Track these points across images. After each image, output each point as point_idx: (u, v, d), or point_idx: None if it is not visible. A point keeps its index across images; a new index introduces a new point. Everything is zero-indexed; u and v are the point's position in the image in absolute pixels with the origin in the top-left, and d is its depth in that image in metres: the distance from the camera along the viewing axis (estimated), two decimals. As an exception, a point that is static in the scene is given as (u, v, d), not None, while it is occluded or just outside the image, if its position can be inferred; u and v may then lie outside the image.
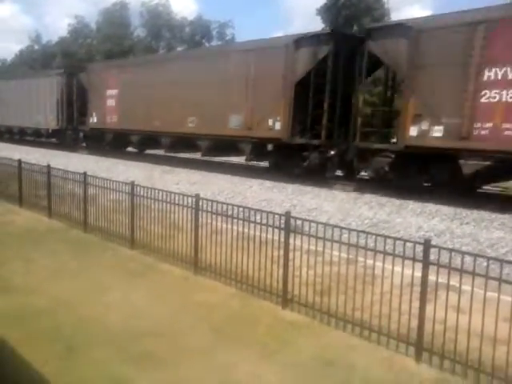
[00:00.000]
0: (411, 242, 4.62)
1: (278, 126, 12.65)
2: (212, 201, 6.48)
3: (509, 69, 8.78)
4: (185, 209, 6.72)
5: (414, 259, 4.39)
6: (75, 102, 21.97)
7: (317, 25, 41.33)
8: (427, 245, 4.36)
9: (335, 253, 5.13)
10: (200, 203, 6.51)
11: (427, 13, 64.46)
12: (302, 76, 12.23)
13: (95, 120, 20.41)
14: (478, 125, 9.24)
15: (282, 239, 5.46)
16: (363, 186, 11.48)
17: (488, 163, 9.40)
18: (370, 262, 4.73)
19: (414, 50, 10.06)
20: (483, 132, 9.19)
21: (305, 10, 77.43)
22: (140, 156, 19.60)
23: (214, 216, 6.36)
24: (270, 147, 14.06)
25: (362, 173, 12.44)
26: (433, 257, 4.29)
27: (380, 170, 11.31)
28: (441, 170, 10.38)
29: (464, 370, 3.99)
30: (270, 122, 12.81)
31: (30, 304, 5.26)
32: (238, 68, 13.81)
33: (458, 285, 4.11)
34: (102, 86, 19.77)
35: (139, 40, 53.37)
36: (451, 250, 4.33)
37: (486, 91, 9.14)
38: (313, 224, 5.22)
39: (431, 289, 4.35)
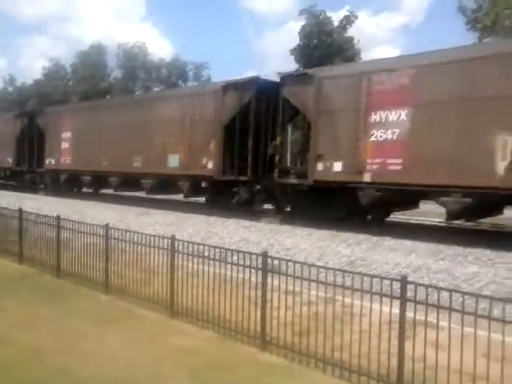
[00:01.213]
0: (388, 279, 4.63)
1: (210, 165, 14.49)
2: (188, 242, 6.41)
3: None
4: (160, 251, 6.63)
5: (391, 296, 4.40)
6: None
7: (291, 65, 42.48)
8: (404, 281, 4.38)
9: (313, 292, 5.09)
10: (176, 245, 6.44)
11: (396, 52, 67.11)
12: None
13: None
14: None
15: (260, 279, 5.41)
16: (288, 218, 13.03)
17: None
18: (348, 300, 4.71)
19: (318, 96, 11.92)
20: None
21: (278, 50, 79.64)
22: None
23: (190, 258, 6.28)
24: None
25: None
26: (410, 293, 4.31)
27: (298, 202, 13.10)
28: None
29: (446, 411, 3.94)
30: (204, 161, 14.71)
31: (0, 356, 5.03)
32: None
33: (435, 321, 4.11)
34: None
35: (116, 81, 53.80)
36: (428, 286, 4.35)
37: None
38: (290, 263, 5.20)
39: (409, 325, 4.34)
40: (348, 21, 42.40)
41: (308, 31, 41.79)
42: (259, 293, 5.39)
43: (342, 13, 43.03)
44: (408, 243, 9.62)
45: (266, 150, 13.75)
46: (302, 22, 42.37)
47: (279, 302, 5.22)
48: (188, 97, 15.76)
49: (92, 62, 52.95)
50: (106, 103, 22.62)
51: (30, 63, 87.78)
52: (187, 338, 5.62)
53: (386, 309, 4.43)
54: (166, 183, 16.38)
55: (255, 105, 13.38)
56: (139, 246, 6.99)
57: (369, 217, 12.75)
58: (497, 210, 11.57)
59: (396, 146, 10.44)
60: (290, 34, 68.76)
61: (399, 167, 10.37)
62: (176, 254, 6.41)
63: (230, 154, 13.93)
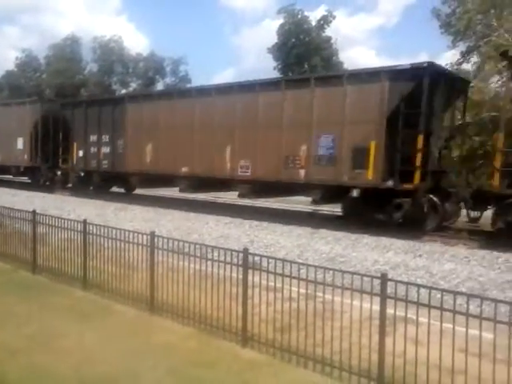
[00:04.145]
0: (368, 276, 4.69)
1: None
2: (168, 238, 6.37)
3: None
4: (139, 247, 6.56)
5: (371, 293, 4.46)
6: None
7: (268, 63, 42.61)
8: (384, 279, 4.45)
9: (294, 289, 5.12)
10: (155, 241, 6.38)
11: (371, 53, 67.99)
12: None
13: None
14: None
15: (241, 276, 5.41)
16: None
17: None
18: (328, 297, 4.76)
19: None
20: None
21: (255, 48, 79.48)
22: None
23: (170, 254, 6.24)
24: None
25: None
26: (389, 290, 4.38)
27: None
28: None
29: (425, 404, 4.02)
30: None
31: (-27, 353, 4.92)
32: None
33: (415, 317, 4.19)
34: None
35: (91, 75, 52.90)
36: (407, 284, 4.43)
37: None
38: (271, 260, 5.22)
39: (390, 322, 4.41)
40: (326, 20, 42.69)
41: (286, 30, 41.93)
42: (240, 289, 5.39)
43: (319, 12, 43.44)
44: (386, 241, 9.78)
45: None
46: (279, 21, 42.52)
47: (260, 299, 5.24)
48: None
49: (66, 54, 51.94)
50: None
51: (0, 54, 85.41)
52: (167, 334, 5.58)
53: (366, 305, 4.49)
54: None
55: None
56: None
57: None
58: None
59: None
60: (267, 32, 68.84)
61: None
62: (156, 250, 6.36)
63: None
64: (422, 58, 48.53)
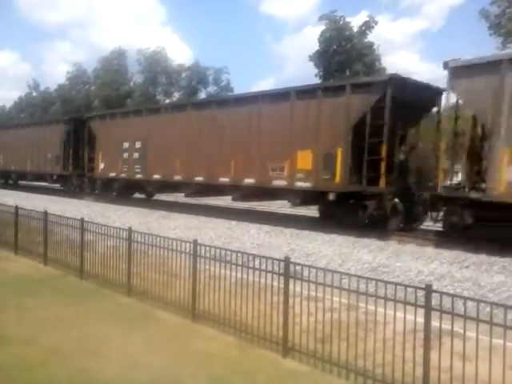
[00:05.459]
0: (412, 287, 4.57)
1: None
2: (210, 246, 6.43)
3: None
4: (182, 255, 6.66)
5: (415, 305, 4.34)
6: None
7: (310, 70, 42.52)
8: (429, 290, 4.31)
9: (335, 299, 5.05)
10: (198, 249, 6.46)
11: (415, 58, 66.65)
12: None
13: None
14: None
15: (281, 285, 5.39)
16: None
17: None
18: (371, 307, 4.66)
19: None
20: None
21: (296, 55, 79.56)
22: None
23: (211, 262, 6.30)
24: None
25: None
26: (434, 302, 4.25)
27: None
28: None
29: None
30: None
31: (24, 355, 5.11)
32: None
33: (461, 331, 4.04)
34: None
35: (136, 86, 54.47)
36: (453, 296, 4.28)
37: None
38: (312, 269, 5.18)
39: (434, 335, 4.27)
40: (368, 26, 42.16)
41: (327, 36, 41.70)
42: (281, 298, 5.37)
43: (361, 18, 42.96)
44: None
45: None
46: (320, 27, 42.36)
47: (301, 308, 5.20)
48: None
49: (113, 67, 53.75)
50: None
51: (53, 68, 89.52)
52: (208, 342, 5.62)
53: (410, 317, 4.37)
54: None
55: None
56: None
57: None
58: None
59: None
60: (308, 39, 68.81)
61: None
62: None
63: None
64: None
